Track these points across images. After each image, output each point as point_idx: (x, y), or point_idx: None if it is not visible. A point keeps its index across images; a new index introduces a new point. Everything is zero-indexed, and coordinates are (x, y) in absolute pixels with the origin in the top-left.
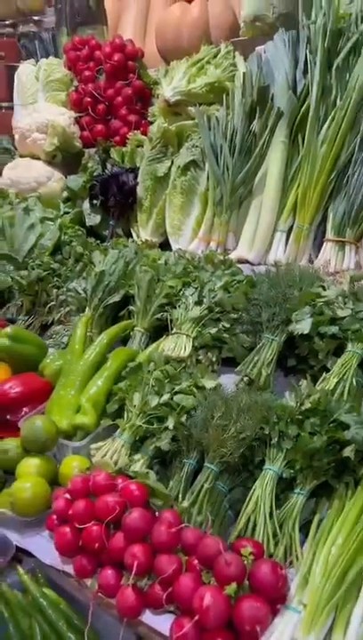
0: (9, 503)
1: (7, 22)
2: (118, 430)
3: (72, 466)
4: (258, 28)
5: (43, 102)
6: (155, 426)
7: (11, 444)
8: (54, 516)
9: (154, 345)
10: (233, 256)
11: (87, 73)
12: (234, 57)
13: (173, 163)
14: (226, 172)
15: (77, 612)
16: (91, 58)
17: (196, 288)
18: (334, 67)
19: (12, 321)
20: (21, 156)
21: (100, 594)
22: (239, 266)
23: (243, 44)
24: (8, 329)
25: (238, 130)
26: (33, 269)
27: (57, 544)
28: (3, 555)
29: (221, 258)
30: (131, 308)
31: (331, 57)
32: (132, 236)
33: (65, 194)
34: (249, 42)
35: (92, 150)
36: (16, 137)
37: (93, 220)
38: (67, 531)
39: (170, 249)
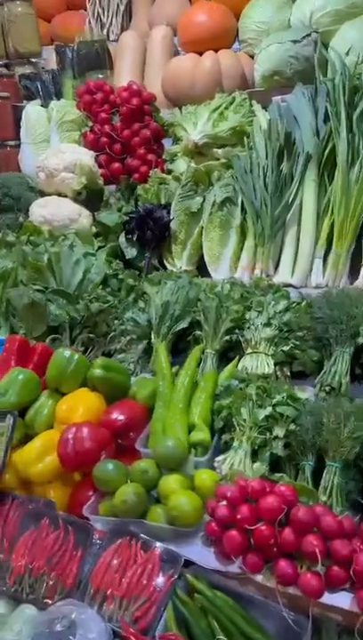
0: (167, 517)
1: (1, 63)
2: (235, 442)
3: (203, 478)
4: (275, 81)
5: (56, 142)
6: (267, 436)
7: (147, 465)
8: (213, 524)
9: (231, 366)
10: (277, 281)
11: (103, 115)
12: (251, 105)
13: (204, 199)
14: (264, 207)
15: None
16: (105, 101)
17: (258, 311)
18: (355, 116)
19: None
20: (46, 194)
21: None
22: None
23: (259, 94)
24: (99, 360)
25: (269, 169)
26: (91, 302)
27: (227, 547)
28: (173, 567)
29: (268, 283)
30: (197, 332)
31: (350, 108)
32: (165, 267)
33: (93, 229)
34: (264, 92)
35: (112, 187)
36: (41, 175)
37: (131, 253)
38: (235, 534)
39: (203, 276)
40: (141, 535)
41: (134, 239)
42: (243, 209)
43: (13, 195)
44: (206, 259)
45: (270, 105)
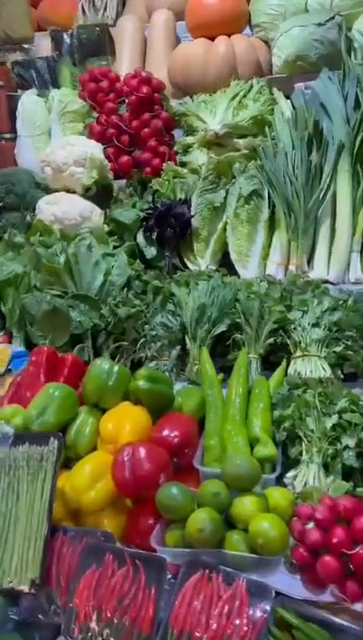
0: (249, 545)
1: None
2: (304, 456)
3: (275, 497)
4: (298, 66)
5: (58, 134)
6: (338, 446)
7: (218, 487)
8: (302, 549)
9: (280, 371)
10: (312, 277)
11: (110, 104)
12: (270, 92)
13: (227, 193)
14: (296, 199)
15: None
16: (111, 90)
17: (303, 311)
18: None
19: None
20: (52, 191)
21: None
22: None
23: (278, 81)
24: (142, 371)
25: (298, 160)
26: (118, 307)
27: (322, 574)
28: (262, 601)
29: (305, 280)
30: (238, 336)
31: None
32: (185, 266)
33: (105, 228)
34: (285, 79)
35: (121, 182)
36: (47, 170)
37: (150, 252)
38: (330, 560)
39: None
40: (221, 567)
41: (154, 237)
42: (270, 202)
43: (18, 191)
44: (233, 256)
45: (294, 92)
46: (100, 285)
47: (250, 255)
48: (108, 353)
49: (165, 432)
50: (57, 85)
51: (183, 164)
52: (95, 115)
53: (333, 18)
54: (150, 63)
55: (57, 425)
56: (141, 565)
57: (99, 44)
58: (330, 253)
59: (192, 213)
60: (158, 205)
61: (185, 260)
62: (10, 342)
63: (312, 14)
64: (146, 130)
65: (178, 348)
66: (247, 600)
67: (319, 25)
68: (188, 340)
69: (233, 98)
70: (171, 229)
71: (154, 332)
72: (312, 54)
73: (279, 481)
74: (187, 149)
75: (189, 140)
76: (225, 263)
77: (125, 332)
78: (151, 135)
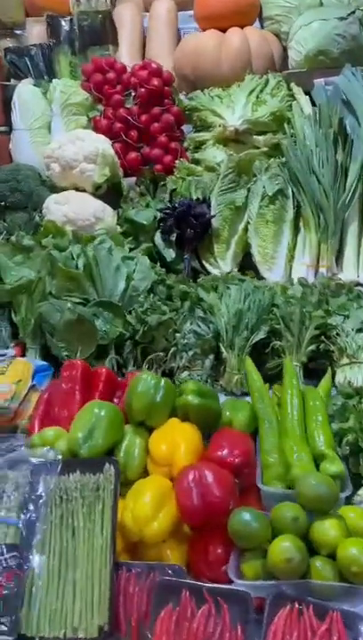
0: (337, 573)
1: None
2: None
3: (351, 517)
4: (319, 61)
5: (60, 128)
6: None
7: (295, 511)
8: None
9: (327, 379)
10: (343, 279)
11: (117, 97)
12: (289, 88)
13: (249, 191)
14: (325, 199)
15: None
16: (118, 81)
17: (344, 315)
18: None
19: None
20: (59, 189)
21: None
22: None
23: (296, 76)
24: (191, 384)
25: (324, 159)
26: (146, 314)
27: None
28: (357, 632)
29: (340, 282)
30: (277, 343)
31: None
32: (205, 269)
33: (119, 229)
34: (302, 74)
35: (130, 180)
36: (54, 167)
37: (169, 255)
38: None
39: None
40: (309, 599)
41: (173, 239)
42: (294, 202)
43: (24, 190)
44: (257, 258)
45: (315, 88)
46: (122, 291)
47: (276, 257)
48: (136, 364)
49: (224, 451)
50: (52, 75)
51: (196, 162)
52: (100, 108)
53: (354, 12)
54: (152, 54)
55: (106, 448)
56: (222, 602)
57: (101, 32)
58: (359, 254)
59: (212, 213)
60: (176, 205)
61: (203, 262)
62: (23, 354)
63: (332, 8)
64: (156, 125)
65: (211, 357)
66: (345, 633)
67: (341, 19)
68: (223, 349)
69: (250, 93)
70: (191, 230)
71: (185, 341)
72: (335, 49)
73: (348, 499)
74: (199, 146)
75: (203, 136)
76: (245, 265)
77: (153, 340)
78: (162, 130)
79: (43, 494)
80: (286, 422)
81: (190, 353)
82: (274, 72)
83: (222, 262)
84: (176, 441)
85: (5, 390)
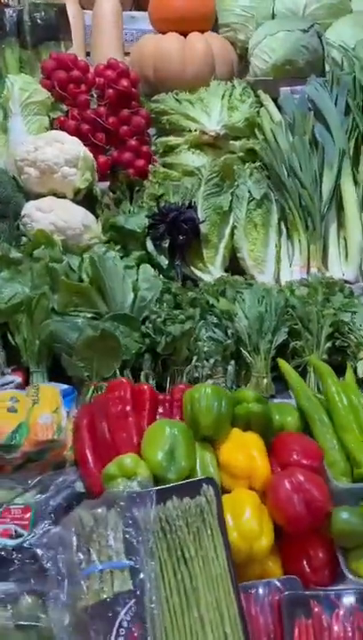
0: None
1: None
2: None
3: None
4: (286, 70)
5: (21, 129)
6: None
7: None
8: None
9: (349, 373)
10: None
11: (83, 97)
12: (256, 95)
13: (233, 196)
14: (310, 202)
15: None
16: (81, 80)
17: (352, 312)
18: None
19: None
20: (36, 195)
21: None
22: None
23: (262, 84)
24: (250, 393)
25: (304, 164)
26: (166, 325)
27: None
28: None
29: (332, 281)
30: (298, 343)
31: None
32: (194, 275)
33: (103, 237)
34: (270, 82)
35: (103, 185)
36: (31, 171)
37: (164, 262)
38: None
39: None
40: None
41: (166, 245)
42: (278, 206)
43: (1, 197)
44: (249, 262)
45: (282, 96)
46: (131, 303)
47: (267, 260)
48: (152, 378)
49: (299, 455)
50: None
51: (167, 166)
52: (63, 108)
53: (312, 26)
54: (98, 54)
55: (189, 469)
56: (356, 607)
57: (56, 26)
58: (340, 254)
59: (202, 219)
60: (164, 210)
61: (192, 268)
62: (27, 379)
63: (292, 20)
64: (125, 128)
65: (232, 362)
66: None
67: (304, 31)
68: (246, 353)
69: (222, 98)
70: (183, 236)
71: (206, 348)
72: (300, 59)
73: None
74: (169, 150)
75: (175, 140)
76: (230, 269)
77: (175, 351)
78: (132, 133)
79: (143, 529)
80: (341, 418)
81: (211, 361)
82: (232, 79)
83: (212, 267)
84: (250, 452)
85: (48, 422)
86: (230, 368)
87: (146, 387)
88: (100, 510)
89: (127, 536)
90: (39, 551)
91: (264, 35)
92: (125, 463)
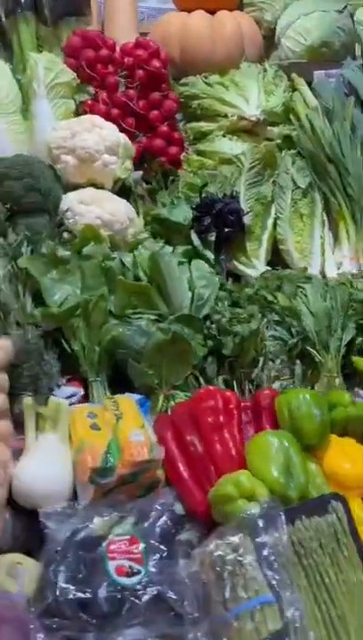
0: None
1: None
2: None
3: None
4: (322, 53)
5: (47, 113)
6: None
7: None
8: None
9: None
10: None
11: (112, 79)
12: (289, 78)
13: (274, 185)
14: (358, 192)
15: None
16: (109, 60)
17: None
18: None
19: None
20: (76, 187)
21: None
22: None
23: (296, 66)
24: (346, 396)
25: (347, 151)
26: (233, 325)
27: None
28: None
29: None
30: None
31: None
32: (237, 270)
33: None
34: (303, 65)
35: (136, 174)
36: (68, 159)
37: (210, 256)
38: None
39: None
40: None
41: (212, 239)
42: (322, 195)
43: (42, 188)
44: (294, 255)
45: (318, 80)
46: (189, 302)
47: (313, 252)
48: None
49: None
50: (9, 48)
51: (200, 154)
52: (90, 90)
53: (346, 6)
54: (114, 31)
55: (307, 484)
56: None
57: (78, 0)
58: None
59: (247, 210)
60: (208, 201)
61: (235, 262)
62: (85, 389)
63: (327, 0)
64: (155, 112)
65: (298, 362)
66: None
67: (339, 12)
68: (315, 352)
69: (256, 81)
70: (229, 229)
71: (272, 348)
72: (336, 41)
73: None
74: (200, 137)
75: (208, 126)
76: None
77: (243, 352)
78: (163, 118)
79: (278, 555)
80: None
81: (277, 362)
82: (261, 61)
83: (257, 261)
84: (356, 458)
85: (141, 440)
86: (298, 368)
87: (231, 394)
88: (234, 538)
89: (264, 565)
90: (164, 589)
91: (298, 15)
92: (242, 481)
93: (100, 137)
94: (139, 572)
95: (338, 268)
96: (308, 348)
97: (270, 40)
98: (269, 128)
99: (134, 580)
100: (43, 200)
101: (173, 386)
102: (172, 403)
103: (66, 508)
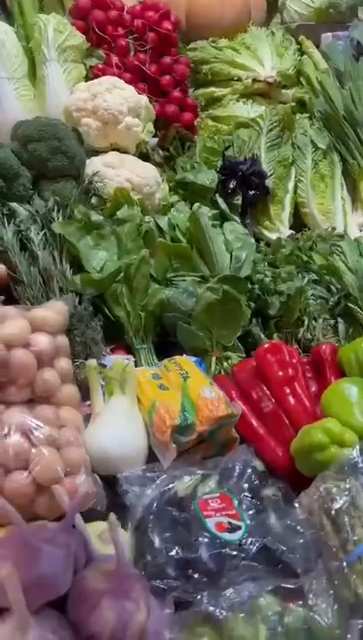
0: None
1: None
2: None
3: None
4: (329, 15)
5: (59, 77)
6: None
7: None
8: None
9: None
10: None
11: (123, 42)
12: (298, 41)
13: (294, 147)
14: None
15: None
16: (120, 22)
17: None
18: None
19: None
20: (98, 151)
21: None
22: None
23: (304, 29)
24: None
25: (360, 112)
26: (276, 284)
27: None
28: None
29: None
30: None
31: None
32: (261, 234)
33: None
34: (311, 27)
35: (153, 140)
36: (89, 122)
37: (237, 219)
38: None
39: None
40: None
41: (238, 202)
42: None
43: (68, 152)
44: (318, 217)
45: (327, 42)
46: (228, 264)
47: (335, 213)
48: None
49: None
50: (6, 11)
51: (214, 119)
52: (101, 54)
53: None
54: None
55: None
56: None
57: None
58: None
59: (270, 173)
60: (231, 165)
61: (260, 227)
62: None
63: None
64: (167, 77)
65: (341, 320)
66: None
67: None
68: (356, 308)
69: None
70: (254, 192)
71: (314, 308)
72: (343, 3)
73: None
74: (212, 102)
75: (219, 91)
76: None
77: (288, 312)
78: (175, 83)
79: None
80: None
81: (320, 320)
82: (268, 24)
83: (280, 224)
84: None
85: (214, 396)
86: (341, 326)
87: (293, 348)
88: (342, 483)
89: None
90: (269, 542)
91: None
92: (331, 428)
93: (123, 98)
94: (239, 528)
95: (360, 230)
96: (350, 305)
97: (272, 4)
98: (282, 91)
99: (237, 535)
100: (69, 164)
101: (223, 347)
102: (225, 364)
103: (146, 471)
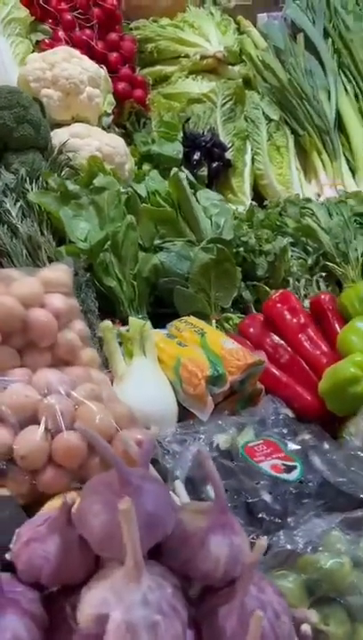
0: None
1: None
2: None
3: None
4: None
5: (5, 49)
6: None
7: None
8: None
9: None
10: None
11: (69, 16)
12: (236, 22)
13: (247, 120)
14: (324, 122)
15: None
16: None
17: None
18: None
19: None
20: (60, 123)
21: None
22: None
23: (241, 9)
24: None
25: (307, 87)
26: (262, 244)
27: None
28: None
29: None
30: None
31: None
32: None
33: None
34: (247, 7)
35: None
36: (50, 93)
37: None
38: None
39: None
40: None
41: (204, 173)
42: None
43: (33, 120)
44: (277, 187)
45: (265, 21)
46: (210, 228)
47: (292, 182)
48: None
49: None
50: None
51: (166, 97)
52: (46, 29)
53: None
54: None
55: None
56: None
57: None
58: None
59: (229, 145)
60: (193, 136)
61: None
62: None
63: None
64: (115, 54)
65: (321, 279)
66: None
67: None
68: (334, 266)
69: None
70: (218, 163)
71: (295, 268)
72: None
73: None
74: (161, 80)
75: (165, 69)
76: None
77: (274, 272)
78: (123, 60)
79: None
80: None
81: (302, 281)
82: (202, 5)
83: (243, 196)
84: None
85: (235, 346)
86: (322, 284)
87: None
88: None
89: None
90: (327, 476)
91: None
92: (360, 362)
93: (82, 67)
94: (295, 467)
95: (317, 199)
96: (328, 263)
97: None
98: (229, 67)
99: (295, 474)
100: (35, 134)
101: (221, 309)
102: (227, 326)
103: (183, 429)
